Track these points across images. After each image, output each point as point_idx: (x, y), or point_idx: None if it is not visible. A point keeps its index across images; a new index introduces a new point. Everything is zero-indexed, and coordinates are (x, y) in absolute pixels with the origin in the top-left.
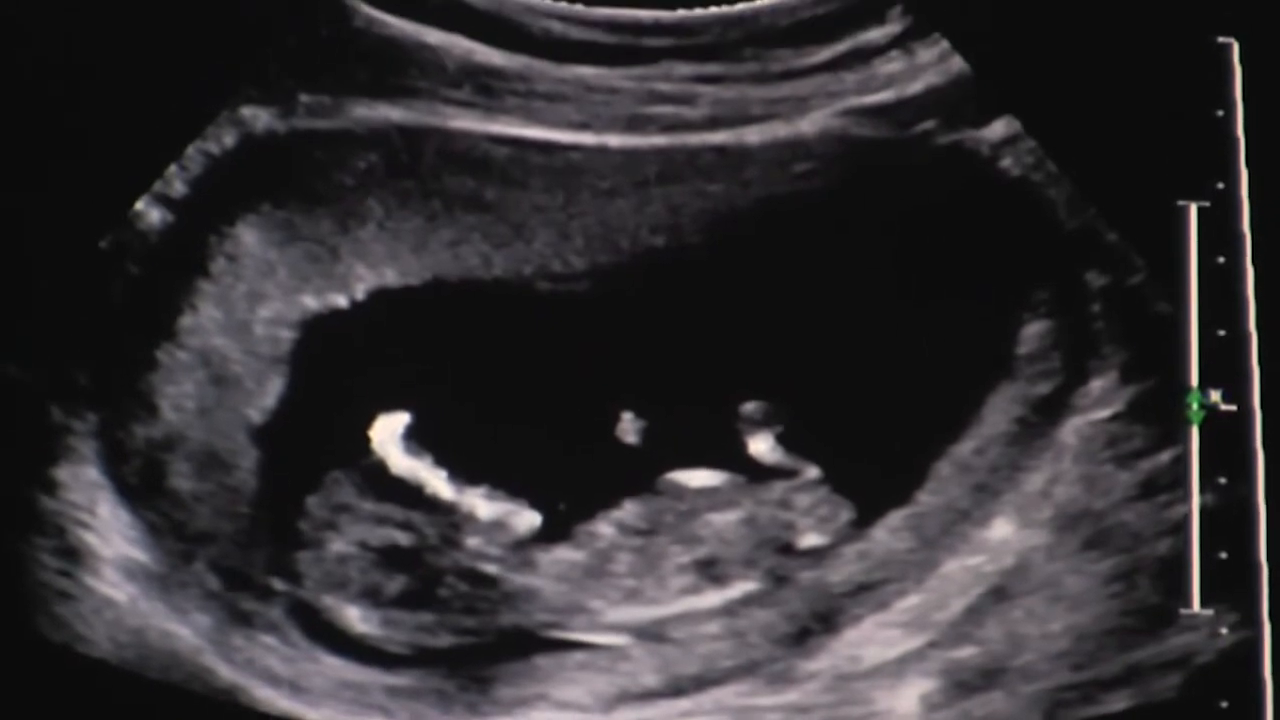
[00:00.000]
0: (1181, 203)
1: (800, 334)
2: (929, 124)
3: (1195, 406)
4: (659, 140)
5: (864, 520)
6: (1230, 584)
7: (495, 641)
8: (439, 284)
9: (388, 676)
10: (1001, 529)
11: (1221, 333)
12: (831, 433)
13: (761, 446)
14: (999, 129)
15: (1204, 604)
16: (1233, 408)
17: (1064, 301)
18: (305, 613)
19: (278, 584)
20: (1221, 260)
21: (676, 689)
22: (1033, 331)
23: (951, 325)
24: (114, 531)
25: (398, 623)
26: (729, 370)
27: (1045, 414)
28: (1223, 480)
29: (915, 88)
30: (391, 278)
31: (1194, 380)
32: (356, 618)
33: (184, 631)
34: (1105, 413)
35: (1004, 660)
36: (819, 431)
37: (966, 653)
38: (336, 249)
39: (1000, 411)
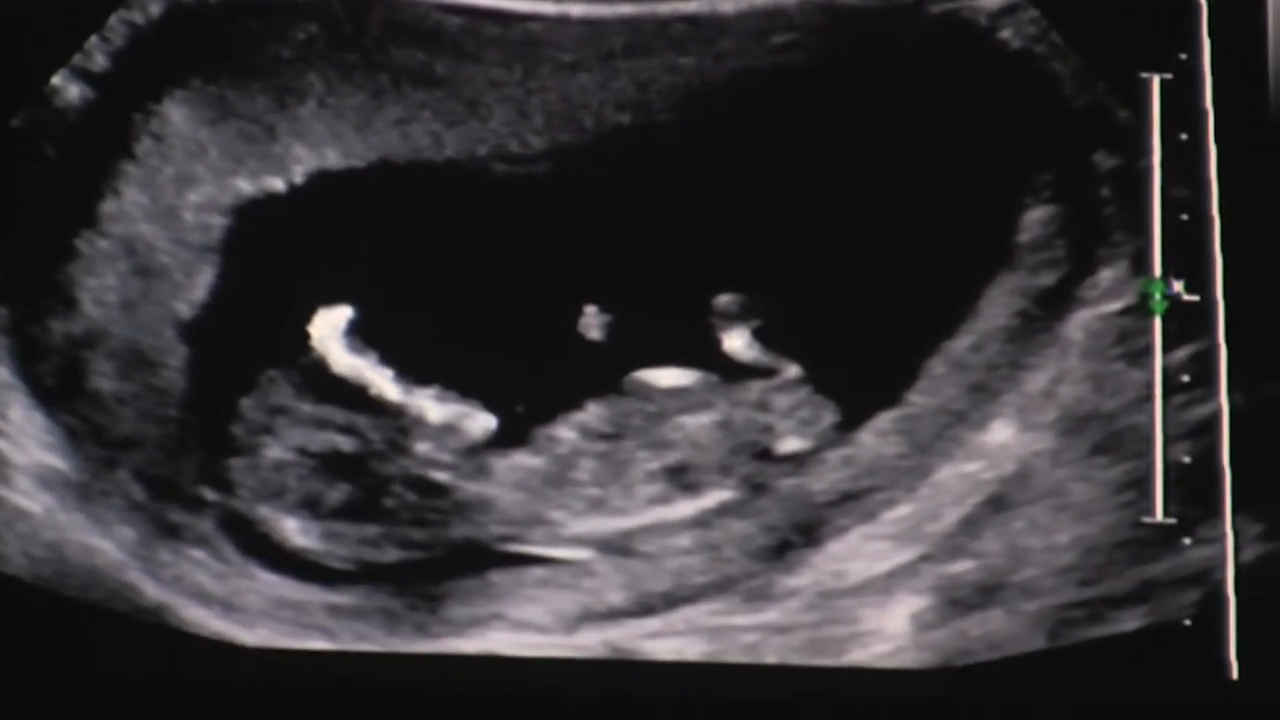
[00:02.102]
0: (1145, 75)
1: (779, 221)
2: None
3: (1158, 297)
4: (625, 9)
5: (849, 423)
6: (1195, 491)
7: (446, 556)
8: (385, 166)
9: (329, 594)
10: (1000, 432)
11: (1184, 217)
12: (813, 328)
13: (737, 343)
14: None
15: (1167, 513)
16: (1195, 298)
17: (1070, 184)
18: (238, 525)
19: (208, 494)
20: (1184, 137)
21: (645, 607)
22: (1035, 217)
23: (945, 211)
24: (28, 437)
25: (339, 536)
26: (701, 261)
27: (1049, 307)
28: (1185, 378)
29: None
30: (333, 159)
31: (1156, 269)
32: (294, 530)
33: (106, 545)
34: (1115, 305)
35: (1003, 575)
36: (799, 327)
37: (962, 567)
38: (273, 128)
39: (999, 304)
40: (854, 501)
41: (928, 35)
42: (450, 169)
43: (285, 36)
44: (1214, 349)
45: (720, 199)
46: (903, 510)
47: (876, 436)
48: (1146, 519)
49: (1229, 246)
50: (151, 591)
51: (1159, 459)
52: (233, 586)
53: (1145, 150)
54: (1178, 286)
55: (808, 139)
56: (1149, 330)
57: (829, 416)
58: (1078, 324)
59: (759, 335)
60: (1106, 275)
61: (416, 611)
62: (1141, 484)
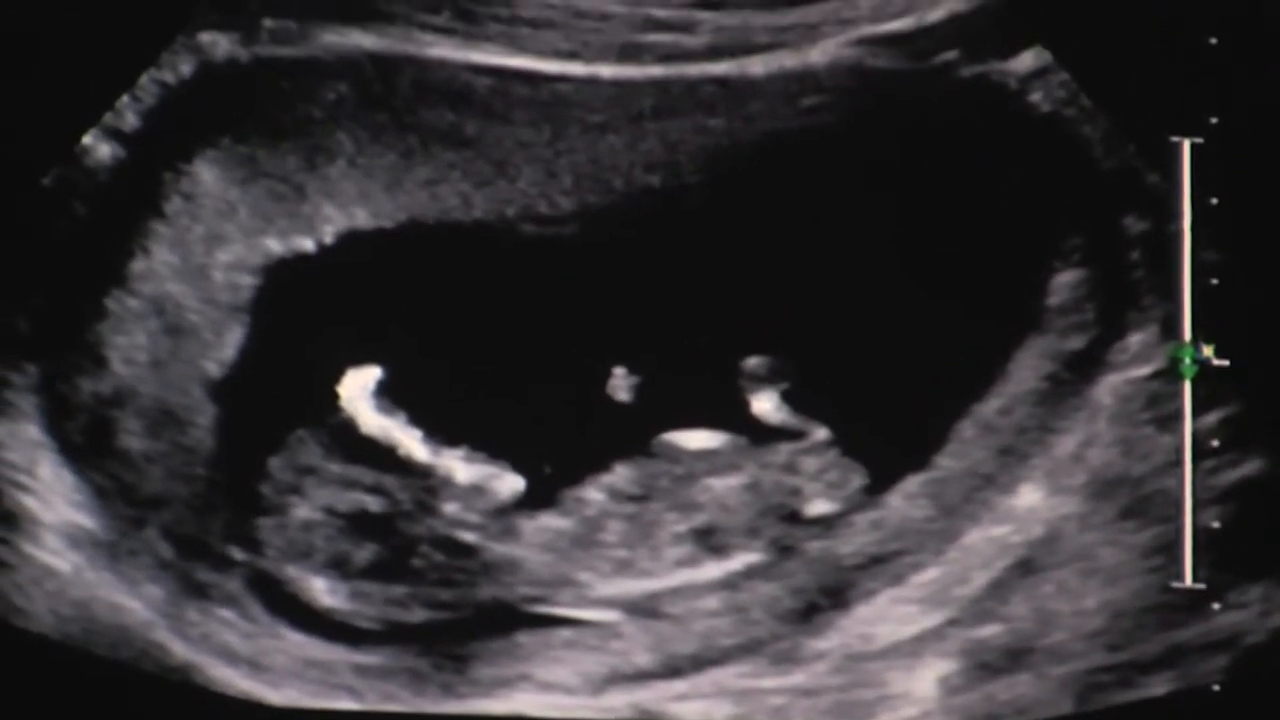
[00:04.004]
0: (1175, 139)
1: (808, 283)
2: (951, 54)
3: (1187, 361)
4: (655, 71)
5: (877, 486)
6: (1225, 556)
7: (474, 617)
8: (414, 226)
9: (356, 654)
10: (1029, 496)
11: (1214, 282)
12: (842, 391)
13: (765, 405)
14: (1028, 60)
15: (1195, 578)
16: (1225, 363)
17: (1099, 248)
18: (266, 584)
19: (236, 553)
20: (1215, 201)
21: (672, 669)
22: (1065, 281)
23: (975, 274)
24: (56, 495)
25: (367, 596)
26: (730, 322)
27: (1078, 371)
28: (1215, 443)
29: (936, 14)
30: (362, 219)
31: (1186, 333)
32: (322, 590)
33: (134, 604)
34: (1145, 370)
35: (1031, 640)
36: (828, 390)
37: (990, 631)
38: (303, 187)
39: (1028, 368)
40: (882, 565)
41: (957, 98)
42: (479, 229)
43: (315, 96)
44: (1244, 413)
45: (749, 261)
46: (931, 574)
47: (905, 499)
48: (1175, 584)
49: (1259, 311)
50: (179, 650)
51: (1188, 524)
52: (260, 646)
53: (1175, 214)
54: (1207, 351)
55: (836, 201)
56: (1178, 395)
57: (857, 479)
58: (1107, 388)
59: (787, 397)
60: (1136, 339)
61: (443, 672)
62: (1170, 549)
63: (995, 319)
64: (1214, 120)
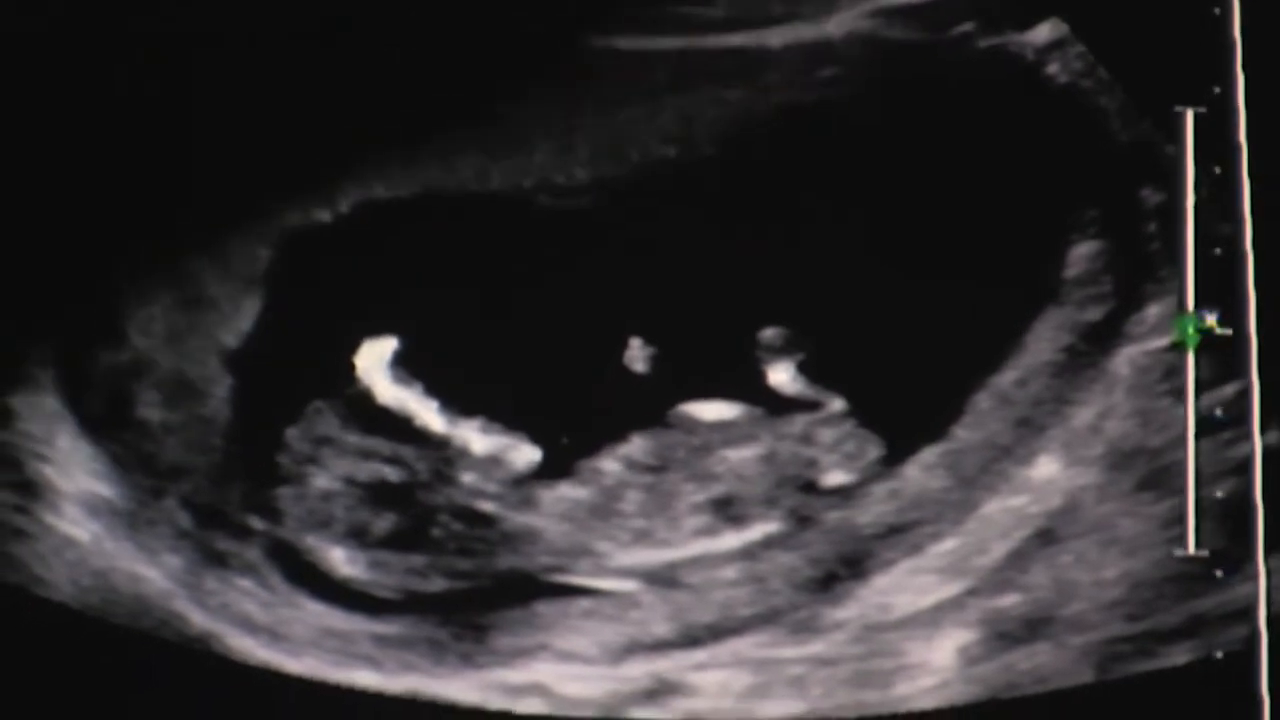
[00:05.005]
0: (1179, 109)
1: (824, 254)
2: (967, 26)
3: (1190, 330)
4: (671, 43)
5: (894, 457)
6: (1234, 527)
7: (492, 586)
8: (430, 197)
9: (375, 624)
10: (1047, 467)
11: (1218, 251)
12: (858, 362)
13: (781, 376)
14: (1045, 32)
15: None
16: (1229, 331)
17: (1116, 220)
18: (285, 554)
19: (255, 522)
20: (1218, 170)
21: (690, 639)
22: (1082, 253)
23: (992, 246)
24: (75, 465)
25: (386, 565)
26: (746, 293)
27: (1095, 342)
28: (1218, 412)
29: None
30: (379, 191)
31: (1190, 301)
32: (341, 560)
33: (153, 574)
34: (1162, 341)
35: (1051, 609)
36: (844, 360)
37: (1009, 601)
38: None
39: (1045, 340)
40: (900, 535)
41: (973, 69)
42: (495, 201)
43: None
44: (1248, 385)
45: (765, 232)
46: (949, 544)
47: (922, 470)
48: (1179, 552)
49: (1264, 280)
50: (198, 619)
51: (1191, 492)
52: (279, 615)
53: (1179, 184)
54: (1210, 321)
55: (852, 173)
56: (1194, 365)
57: (874, 450)
58: (1124, 359)
59: (803, 369)
60: (1153, 311)
61: (462, 641)
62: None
63: (1012, 291)
64: (1216, 90)
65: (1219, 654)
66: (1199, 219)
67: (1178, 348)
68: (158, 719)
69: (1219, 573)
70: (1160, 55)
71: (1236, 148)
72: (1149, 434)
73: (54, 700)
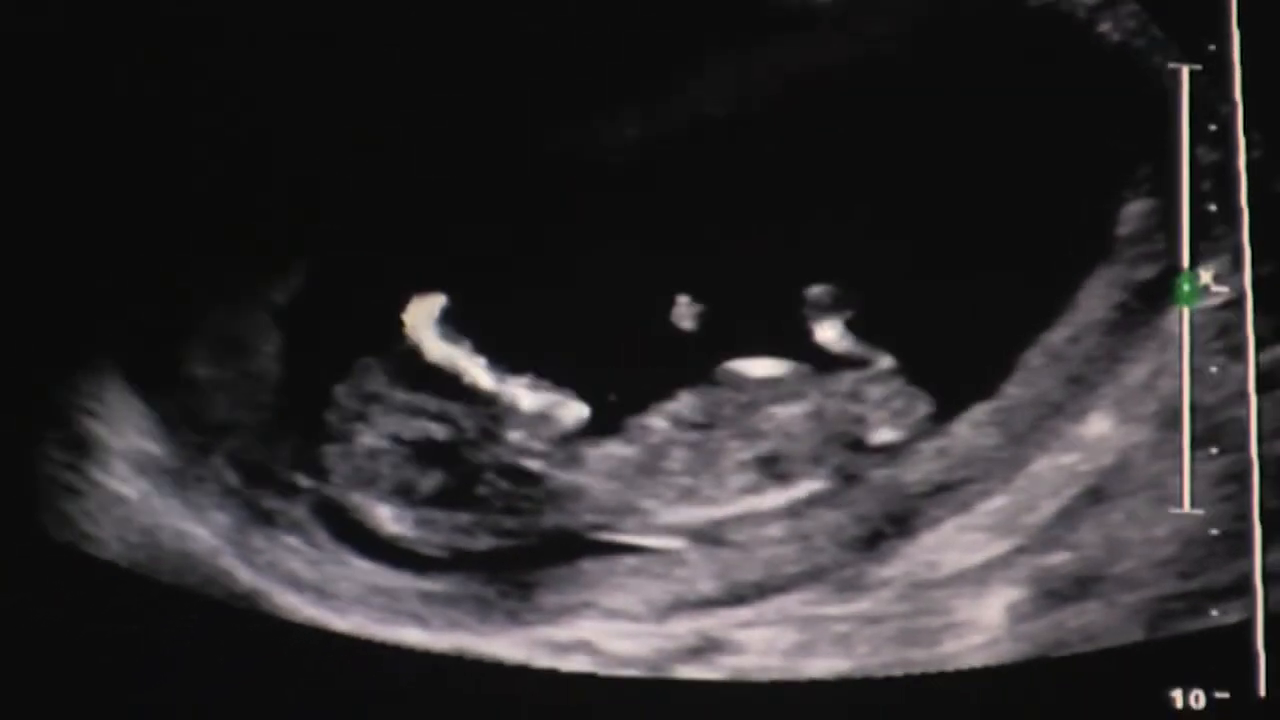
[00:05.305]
0: (1173, 65)
1: (873, 209)
2: None
3: (1186, 288)
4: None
5: (943, 414)
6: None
7: (539, 544)
8: (481, 153)
9: (422, 581)
10: (1098, 425)
11: (1212, 208)
12: (906, 319)
13: (829, 333)
14: None
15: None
16: (1224, 289)
17: (1170, 178)
18: (332, 511)
19: (302, 480)
20: (1213, 128)
21: (736, 596)
22: (1135, 210)
23: (1044, 203)
24: (124, 422)
25: (433, 523)
26: (794, 250)
27: (1148, 300)
28: (1213, 369)
29: None
30: (428, 146)
31: (1185, 260)
32: (388, 517)
33: (200, 531)
34: (1215, 299)
35: (1101, 567)
36: (892, 317)
37: (1059, 559)
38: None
39: (1098, 297)
40: (948, 492)
41: (1027, 25)
42: (546, 158)
43: None
44: (1243, 344)
45: (813, 186)
46: (998, 501)
47: (972, 428)
48: (1174, 510)
49: (1259, 237)
50: (245, 577)
51: (1186, 450)
52: (326, 573)
53: (1173, 140)
54: (1206, 278)
55: (904, 129)
56: (1244, 324)
57: (922, 407)
58: (1177, 317)
59: (851, 326)
60: (1207, 269)
61: (509, 599)
62: (1240, 478)
63: (1064, 248)
64: (1211, 47)
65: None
66: (1251, 176)
67: (1171, 304)
68: (204, 676)
69: (1214, 531)
70: (1153, 14)
71: (1232, 105)
72: (1203, 391)
73: (101, 658)
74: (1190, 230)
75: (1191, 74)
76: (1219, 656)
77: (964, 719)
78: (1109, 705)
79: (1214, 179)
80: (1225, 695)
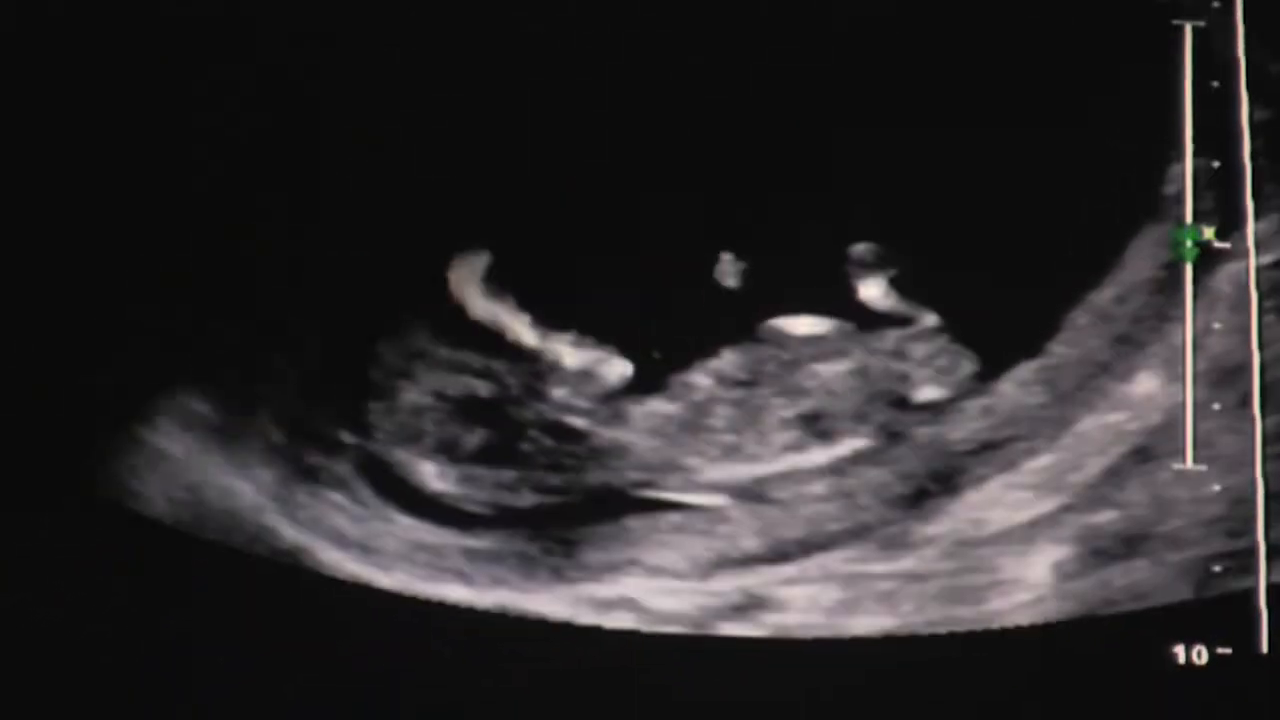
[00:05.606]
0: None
1: (917, 167)
2: None
3: (1189, 244)
4: None
5: (988, 373)
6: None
7: (582, 501)
8: (525, 112)
9: (465, 538)
10: (1146, 384)
11: (1215, 164)
12: (951, 277)
13: (873, 291)
14: None
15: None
16: (1226, 245)
17: (1219, 136)
18: (376, 468)
19: (346, 436)
20: (1216, 85)
21: (779, 553)
22: (1182, 169)
23: (1091, 159)
24: (171, 381)
25: (477, 480)
26: (838, 207)
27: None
28: (1217, 325)
29: None
30: (476, 101)
31: (1188, 215)
32: (432, 474)
33: (245, 487)
34: (1266, 259)
35: (1148, 526)
36: (937, 275)
37: (1106, 517)
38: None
39: (1145, 256)
40: (993, 451)
41: None
42: (591, 118)
43: None
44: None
45: (857, 143)
46: (1044, 460)
47: (1017, 386)
48: (1176, 466)
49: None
50: (289, 534)
51: (1189, 404)
52: (370, 529)
53: (1177, 97)
54: (1208, 234)
55: (950, 87)
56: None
57: (967, 366)
58: (1225, 276)
59: (895, 284)
60: (1256, 228)
61: (552, 556)
62: None
63: (1112, 206)
64: (1215, 4)
65: None
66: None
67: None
68: (249, 633)
69: (1216, 487)
70: None
71: (1234, 62)
72: (1252, 350)
73: (147, 615)
74: (1193, 186)
75: (1195, 30)
76: (1222, 614)
77: (1009, 676)
78: (1111, 662)
79: (1265, 138)
80: (1227, 651)
